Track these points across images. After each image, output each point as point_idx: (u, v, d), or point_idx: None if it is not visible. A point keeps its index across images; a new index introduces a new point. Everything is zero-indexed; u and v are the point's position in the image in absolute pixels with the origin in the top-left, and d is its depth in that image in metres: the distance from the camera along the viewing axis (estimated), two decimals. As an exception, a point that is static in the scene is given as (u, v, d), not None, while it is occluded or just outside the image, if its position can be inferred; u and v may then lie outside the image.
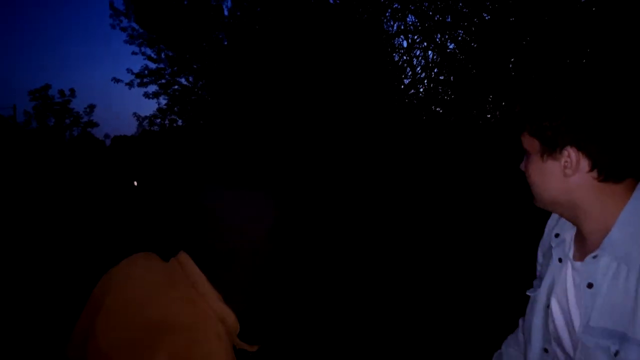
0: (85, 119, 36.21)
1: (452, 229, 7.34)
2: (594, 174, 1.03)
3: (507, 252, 5.78)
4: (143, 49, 16.22)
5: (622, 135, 1.00)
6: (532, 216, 1.38)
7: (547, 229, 1.34)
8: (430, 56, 10.33)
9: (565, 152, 1.04)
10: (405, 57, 10.78)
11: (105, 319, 0.97)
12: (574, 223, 1.15)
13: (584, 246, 1.13)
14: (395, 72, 11.14)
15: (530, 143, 1.11)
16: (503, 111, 9.40)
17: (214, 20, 15.19)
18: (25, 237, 8.50)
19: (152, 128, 18.01)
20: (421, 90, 10.81)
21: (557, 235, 1.24)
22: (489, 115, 9.61)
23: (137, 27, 16.11)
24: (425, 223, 7.92)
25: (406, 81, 10.99)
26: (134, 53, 16.47)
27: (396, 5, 10.23)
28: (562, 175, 1.06)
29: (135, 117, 17.95)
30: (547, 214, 1.33)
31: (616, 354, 0.99)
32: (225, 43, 15.64)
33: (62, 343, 1.11)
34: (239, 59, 14.00)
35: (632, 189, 1.05)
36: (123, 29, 16.37)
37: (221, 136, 13.57)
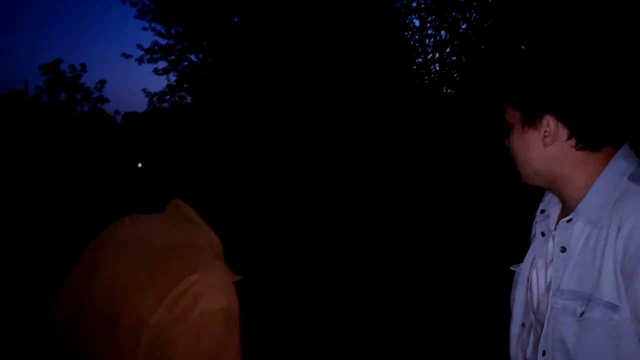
0: (96, 94, 36.09)
1: (464, 218, 7.29)
2: (572, 142, 1.07)
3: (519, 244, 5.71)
4: (153, 25, 16.07)
5: (598, 104, 1.04)
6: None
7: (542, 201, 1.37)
8: (443, 36, 10.17)
9: (545, 121, 1.08)
10: (417, 37, 10.63)
11: (107, 262, 1.06)
12: (555, 193, 1.20)
13: (564, 215, 1.16)
14: (407, 51, 10.99)
15: (512, 115, 1.16)
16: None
17: (223, -4, 15.02)
18: (31, 215, 8.55)
19: (161, 105, 17.95)
20: (433, 70, 10.67)
21: (542, 212, 1.28)
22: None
23: (147, 2, 15.97)
24: (437, 211, 7.87)
25: (418, 61, 10.85)
26: (144, 29, 16.28)
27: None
28: (542, 145, 1.10)
29: (145, 94, 17.88)
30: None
31: (582, 314, 1.02)
32: (236, 19, 15.48)
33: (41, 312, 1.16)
34: (250, 36, 13.87)
35: (609, 157, 1.08)
36: (133, 4, 16.17)
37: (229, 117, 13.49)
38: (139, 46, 16.23)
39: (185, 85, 16.65)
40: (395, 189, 9.14)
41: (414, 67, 11.25)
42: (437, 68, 10.62)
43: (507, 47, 8.32)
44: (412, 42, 11.00)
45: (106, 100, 36.89)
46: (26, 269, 5.68)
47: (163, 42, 16.17)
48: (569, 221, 1.10)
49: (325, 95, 11.64)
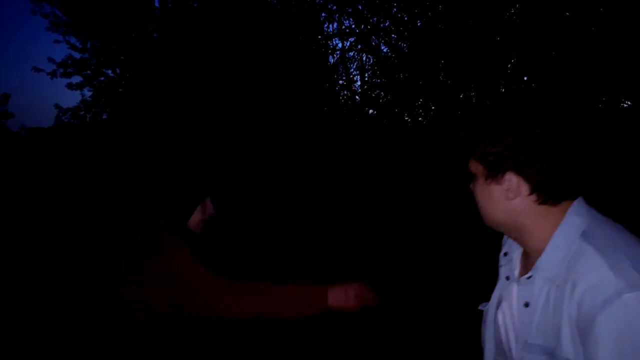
0: (-1, 109, 33.82)
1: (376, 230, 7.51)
2: (534, 197, 1.12)
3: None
4: (67, 38, 15.34)
5: (558, 161, 1.08)
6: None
7: (503, 243, 1.41)
8: (365, 58, 10.54)
9: (507, 177, 1.12)
10: (340, 59, 10.93)
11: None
12: (517, 241, 1.24)
13: (527, 264, 1.21)
14: (329, 73, 11.26)
15: (476, 167, 1.19)
16: (432, 115, 9.76)
17: (143, 11, 14.69)
18: None
19: (73, 121, 17.11)
20: (355, 91, 11.00)
21: (505, 254, 1.32)
22: (420, 119, 9.95)
23: (60, 13, 15.26)
24: (349, 226, 8.04)
25: (341, 82, 11.15)
26: (56, 41, 15.50)
27: (332, 7, 10.37)
28: (505, 198, 1.14)
29: (57, 109, 16.94)
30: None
31: None
32: (155, 35, 15.18)
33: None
34: (170, 53, 13.65)
35: (566, 211, 1.13)
36: (45, 15, 15.39)
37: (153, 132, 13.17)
38: (51, 59, 15.46)
39: (101, 101, 16.01)
40: (315, 211, 9.27)
41: (337, 88, 11.55)
42: (359, 90, 10.96)
43: (427, 70, 8.78)
44: (334, 65, 11.30)
45: (11, 115, 34.50)
46: None
47: (77, 55, 15.50)
48: (529, 278, 1.15)
49: (245, 111, 11.64)
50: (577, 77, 6.96)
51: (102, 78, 15.49)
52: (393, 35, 9.62)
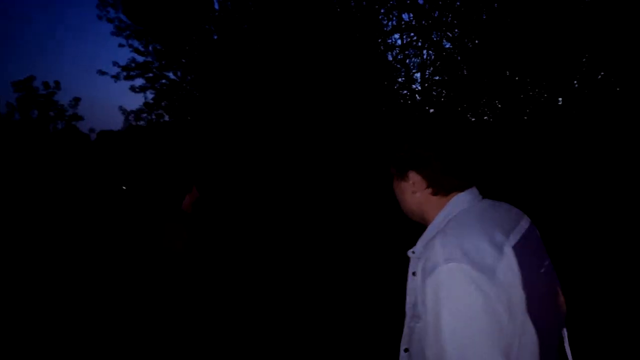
0: (70, 112, 35.49)
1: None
2: (429, 190, 1.43)
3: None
4: (130, 41, 15.85)
5: (443, 163, 1.38)
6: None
7: None
8: (425, 55, 10.10)
9: (410, 175, 1.44)
10: (399, 56, 10.54)
11: None
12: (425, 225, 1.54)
13: None
14: (389, 71, 10.90)
15: (392, 169, 1.52)
16: (498, 114, 9.22)
17: (203, 13, 14.86)
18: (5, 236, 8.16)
19: (138, 123, 17.58)
20: (415, 90, 10.58)
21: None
22: (485, 117, 9.41)
23: (124, 18, 15.74)
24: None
25: (400, 80, 10.75)
26: (120, 45, 16.07)
27: (392, 2, 9.98)
28: (411, 192, 1.46)
29: (121, 111, 17.49)
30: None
31: (412, 324, 1.41)
32: (215, 37, 15.32)
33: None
34: (229, 55, 13.70)
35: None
36: (110, 20, 15.94)
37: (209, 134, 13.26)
38: (115, 63, 16.01)
39: (163, 103, 16.38)
40: (374, 209, 8.98)
41: (396, 87, 11.17)
42: (420, 88, 10.54)
43: (491, 66, 8.26)
44: (394, 62, 10.93)
45: (80, 118, 36.25)
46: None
47: (140, 59, 15.94)
48: (413, 252, 1.44)
49: (307, 115, 11.49)
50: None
51: (164, 81, 15.94)
52: (456, 30, 9.14)
